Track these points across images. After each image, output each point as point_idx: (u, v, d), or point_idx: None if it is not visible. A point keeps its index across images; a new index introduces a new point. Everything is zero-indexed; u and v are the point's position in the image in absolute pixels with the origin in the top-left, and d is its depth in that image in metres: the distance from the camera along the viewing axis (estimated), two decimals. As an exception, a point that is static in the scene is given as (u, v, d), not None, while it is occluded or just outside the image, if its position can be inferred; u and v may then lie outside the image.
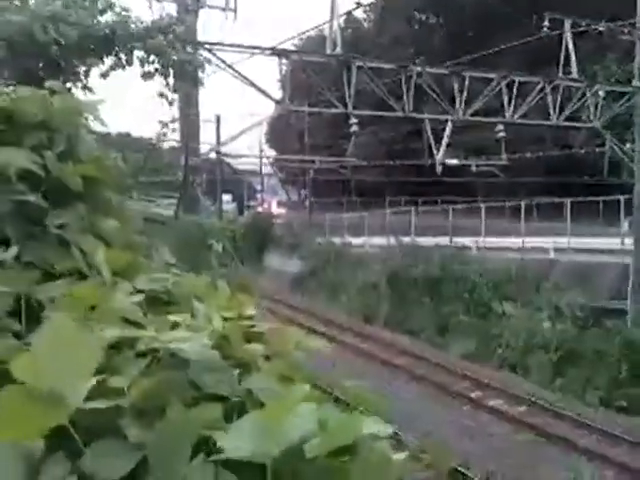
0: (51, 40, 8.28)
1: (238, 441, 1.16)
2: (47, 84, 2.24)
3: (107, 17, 9.70)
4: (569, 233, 24.85)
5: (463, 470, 10.92)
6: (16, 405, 1.04)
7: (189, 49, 10.49)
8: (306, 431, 1.17)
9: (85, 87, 9.49)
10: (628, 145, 21.75)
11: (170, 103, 10.56)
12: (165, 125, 9.70)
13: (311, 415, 1.22)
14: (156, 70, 9.83)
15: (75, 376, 1.10)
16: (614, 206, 28.05)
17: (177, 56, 9.70)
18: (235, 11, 14.05)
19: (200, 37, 14.17)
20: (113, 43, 9.28)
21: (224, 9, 13.99)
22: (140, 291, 1.89)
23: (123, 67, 9.66)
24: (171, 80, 10.15)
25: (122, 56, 9.55)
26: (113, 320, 1.57)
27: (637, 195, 19.97)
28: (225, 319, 1.84)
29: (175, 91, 10.56)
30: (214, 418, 1.28)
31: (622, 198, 25.10)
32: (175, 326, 1.69)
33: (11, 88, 2.28)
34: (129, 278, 1.97)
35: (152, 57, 9.65)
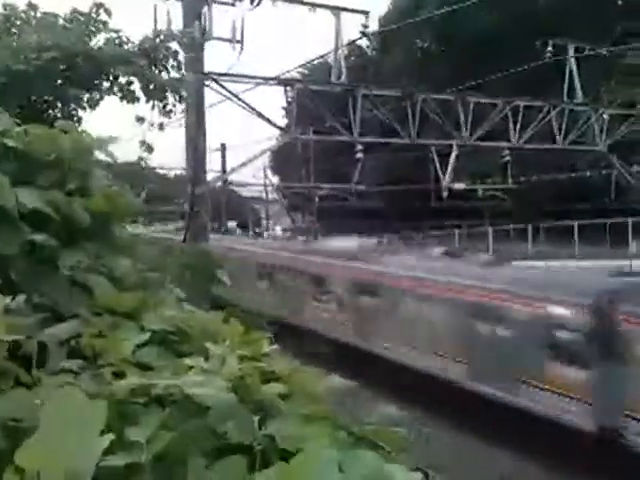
0: (36, 72, 8.02)
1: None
2: (57, 124, 2.22)
3: (98, 41, 9.43)
4: (577, 256, 24.77)
5: None
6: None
7: (172, 71, 10.15)
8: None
9: (73, 117, 9.11)
10: (635, 167, 21.75)
11: (159, 128, 10.12)
12: (148, 147, 9.28)
13: (334, 465, 1.16)
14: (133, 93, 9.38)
15: (86, 450, 1.05)
16: (621, 228, 28.01)
17: (157, 79, 9.35)
18: (242, 42, 14.17)
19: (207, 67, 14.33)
20: (101, 69, 9.02)
21: (230, 41, 14.11)
22: (151, 331, 1.84)
23: (114, 93, 9.37)
24: (158, 103, 9.75)
25: (108, 82, 9.23)
26: (125, 365, 1.52)
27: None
28: (241, 358, 1.78)
29: (167, 114, 10.18)
30: (238, 472, 1.22)
31: (630, 220, 25.08)
32: (189, 369, 1.63)
33: (23, 127, 2.25)
34: (140, 318, 1.92)
35: (133, 79, 9.30)
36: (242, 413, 1.46)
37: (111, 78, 9.07)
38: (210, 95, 16.12)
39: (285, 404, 1.63)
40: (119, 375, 1.50)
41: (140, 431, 1.28)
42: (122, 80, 9.08)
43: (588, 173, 30.77)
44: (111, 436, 1.09)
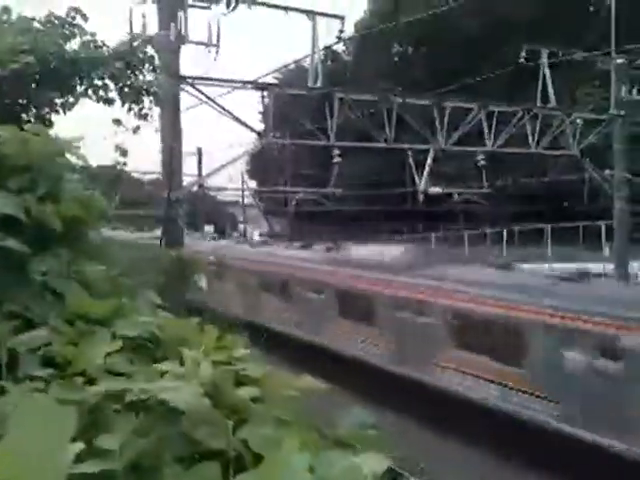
0: (10, 75, 7.93)
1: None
2: (28, 127, 2.20)
3: (73, 44, 9.38)
4: (550, 258, 25.07)
5: None
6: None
7: (148, 74, 10.10)
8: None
9: (47, 120, 9.02)
10: (607, 171, 22.10)
11: (134, 131, 10.06)
12: (123, 152, 9.21)
13: (305, 466, 1.16)
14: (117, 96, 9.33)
15: (56, 458, 1.04)
16: (595, 231, 28.43)
17: (135, 81, 9.33)
18: (218, 46, 14.13)
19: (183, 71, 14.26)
20: (77, 72, 8.96)
21: (207, 45, 14.06)
22: (124, 338, 1.82)
23: (89, 96, 9.31)
24: (134, 106, 9.71)
25: (84, 86, 9.16)
26: (98, 373, 1.50)
27: (617, 220, 20.18)
28: (215, 363, 1.77)
29: (143, 117, 10.13)
30: (212, 477, 1.21)
31: (603, 224, 25.44)
32: (163, 375, 1.62)
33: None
34: (113, 325, 1.91)
35: (108, 82, 9.27)
36: (216, 418, 1.46)
37: (86, 81, 9.02)
38: (186, 98, 16.08)
39: (259, 408, 1.63)
40: (91, 382, 1.49)
41: (113, 438, 1.27)
42: (97, 83, 9.04)
43: (561, 177, 31.18)
44: (81, 444, 1.08)
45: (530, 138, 20.55)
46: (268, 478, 1.10)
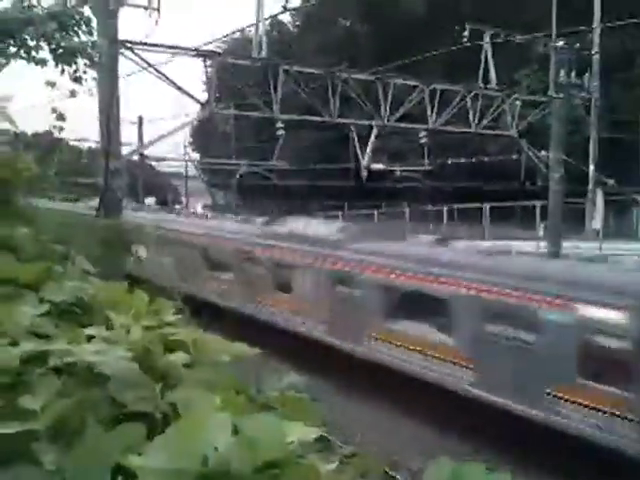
0: None
1: (154, 462, 1.09)
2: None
3: (5, 3, 9.00)
4: (487, 236, 25.72)
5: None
6: None
7: (83, 35, 9.75)
8: (222, 446, 1.12)
9: None
10: (543, 152, 22.69)
11: (71, 93, 9.73)
12: (60, 116, 8.87)
13: (227, 427, 1.17)
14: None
15: None
16: (531, 211, 29.28)
17: (69, 43, 9.02)
18: (159, 11, 13.71)
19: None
20: (8, 32, 8.61)
21: (146, 8, 13.62)
22: (52, 303, 1.79)
23: (21, 57, 8.97)
24: (68, 68, 9.39)
25: (16, 46, 8.83)
26: (22, 335, 1.48)
27: (552, 201, 20.79)
28: (145, 328, 1.76)
29: (77, 80, 9.78)
30: (136, 438, 1.21)
31: (538, 204, 26.16)
32: (90, 339, 1.60)
33: None
34: (41, 289, 1.87)
35: (42, 43, 8.96)
36: (144, 382, 1.46)
37: (18, 42, 8.68)
38: (128, 64, 15.61)
39: (189, 372, 1.63)
40: (14, 344, 1.46)
41: (35, 399, 1.26)
42: (30, 43, 8.72)
43: (499, 157, 31.81)
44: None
45: (471, 118, 20.89)
46: (187, 436, 1.11)
